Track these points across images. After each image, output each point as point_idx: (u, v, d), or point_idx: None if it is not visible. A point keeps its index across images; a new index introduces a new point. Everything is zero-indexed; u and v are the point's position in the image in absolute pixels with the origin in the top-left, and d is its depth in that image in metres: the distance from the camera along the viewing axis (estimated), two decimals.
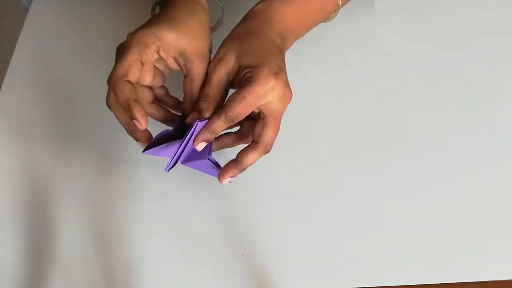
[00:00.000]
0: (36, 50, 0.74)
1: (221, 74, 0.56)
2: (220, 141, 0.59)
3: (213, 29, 0.65)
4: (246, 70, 0.54)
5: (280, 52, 0.57)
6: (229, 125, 0.55)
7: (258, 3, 0.60)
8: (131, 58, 0.55)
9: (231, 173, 0.56)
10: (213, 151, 0.57)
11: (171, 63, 0.57)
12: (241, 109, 0.53)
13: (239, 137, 0.59)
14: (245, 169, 0.56)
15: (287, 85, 0.55)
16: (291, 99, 0.55)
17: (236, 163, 0.55)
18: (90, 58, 0.71)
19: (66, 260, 0.58)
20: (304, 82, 0.67)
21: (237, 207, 0.60)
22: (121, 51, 0.56)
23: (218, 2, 0.63)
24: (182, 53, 0.56)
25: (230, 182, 0.56)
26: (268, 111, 0.54)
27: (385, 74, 0.68)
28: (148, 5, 0.67)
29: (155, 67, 0.57)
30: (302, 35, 0.62)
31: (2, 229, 0.60)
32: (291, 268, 0.56)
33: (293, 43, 0.61)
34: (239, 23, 0.59)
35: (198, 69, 0.56)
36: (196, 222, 0.59)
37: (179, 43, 0.56)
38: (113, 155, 0.63)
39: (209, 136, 0.55)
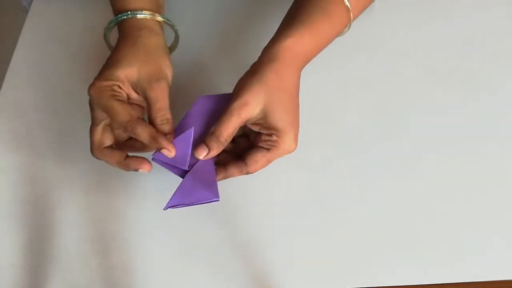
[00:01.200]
0: (36, 50, 0.74)
1: (241, 120, 0.55)
2: (225, 170, 0.58)
3: (171, 49, 0.65)
4: (272, 132, 0.55)
5: (298, 99, 0.57)
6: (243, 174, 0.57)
7: (284, 35, 0.57)
8: (97, 130, 0.57)
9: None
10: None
11: (134, 96, 0.58)
12: (261, 168, 0.57)
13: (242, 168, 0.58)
14: (222, 179, 0.57)
15: (297, 142, 0.57)
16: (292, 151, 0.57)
17: (224, 171, 0.57)
18: (90, 58, 0.71)
19: (66, 260, 0.58)
20: (304, 81, 0.67)
21: (237, 207, 0.60)
22: (90, 109, 0.58)
23: (173, 26, 0.63)
24: (137, 84, 0.57)
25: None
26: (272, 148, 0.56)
27: (385, 73, 0.68)
28: None
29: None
30: (316, 55, 0.61)
31: (2, 229, 0.60)
32: (291, 268, 0.56)
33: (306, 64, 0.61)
34: (265, 59, 0.56)
35: (152, 94, 0.56)
36: (196, 222, 0.59)
37: (130, 76, 0.56)
38: None
39: (222, 178, 0.57)
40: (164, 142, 0.54)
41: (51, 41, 0.74)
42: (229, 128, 0.55)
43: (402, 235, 0.57)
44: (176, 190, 0.54)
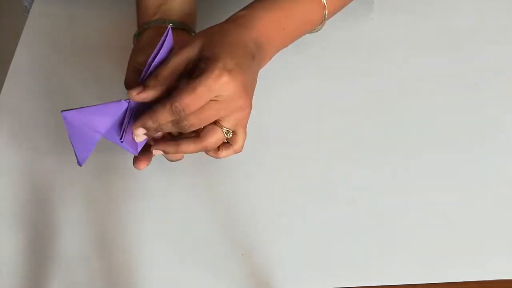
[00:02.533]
0: (37, 51, 0.74)
1: (180, 59, 0.53)
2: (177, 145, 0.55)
3: None
4: (202, 61, 0.52)
5: (249, 56, 0.54)
6: (175, 117, 0.51)
7: (241, 9, 0.58)
8: None
9: (141, 122, 0.53)
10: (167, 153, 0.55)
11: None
12: (190, 100, 0.50)
13: (196, 140, 0.55)
14: (152, 124, 0.53)
15: (244, 89, 0.52)
16: (248, 109, 0.53)
17: (148, 112, 0.53)
18: (91, 59, 0.71)
19: (67, 260, 0.58)
20: (303, 82, 0.67)
21: (237, 207, 0.60)
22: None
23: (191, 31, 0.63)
24: None
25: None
26: (214, 101, 0.52)
27: (385, 74, 0.68)
28: None
29: None
30: (285, 46, 0.60)
31: (3, 228, 0.60)
32: (291, 267, 0.56)
33: (274, 53, 0.59)
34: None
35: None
36: (196, 221, 0.60)
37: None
38: (113, 155, 0.63)
39: (151, 124, 0.52)
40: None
41: (52, 41, 0.74)
42: (168, 68, 0.52)
43: (401, 234, 0.57)
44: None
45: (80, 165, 0.53)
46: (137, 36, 0.63)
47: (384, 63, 0.69)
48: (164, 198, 0.61)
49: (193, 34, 0.63)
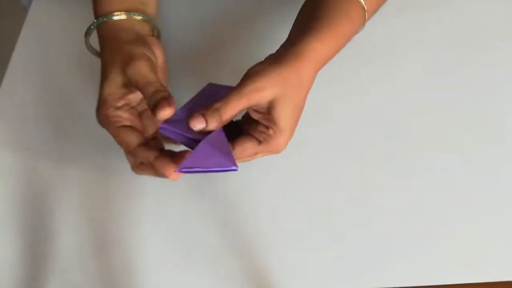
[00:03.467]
0: (35, 50, 0.74)
1: (249, 105, 0.53)
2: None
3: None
4: (271, 126, 0.53)
5: (303, 107, 0.56)
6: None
7: (312, 37, 0.55)
8: (120, 133, 0.55)
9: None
10: None
11: (131, 96, 0.56)
12: (246, 157, 0.55)
13: None
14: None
15: (287, 143, 0.56)
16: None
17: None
18: (90, 58, 0.71)
19: (66, 260, 0.58)
20: None
21: (237, 207, 0.60)
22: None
23: (151, 22, 0.61)
24: (126, 83, 0.55)
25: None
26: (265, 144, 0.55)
27: (384, 74, 0.68)
28: None
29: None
30: (334, 55, 0.60)
31: (1, 229, 0.60)
32: (291, 268, 0.56)
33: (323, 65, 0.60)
34: (289, 53, 0.54)
35: (131, 78, 0.54)
36: (196, 222, 0.60)
37: (116, 86, 0.55)
38: (112, 155, 0.63)
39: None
40: (163, 167, 0.53)
41: (51, 40, 0.74)
42: (234, 110, 0.52)
43: (402, 237, 0.57)
44: (191, 153, 0.51)
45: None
46: (97, 26, 0.60)
47: (383, 63, 0.69)
48: (164, 199, 0.61)
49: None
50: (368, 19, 0.61)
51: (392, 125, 0.64)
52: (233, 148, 0.54)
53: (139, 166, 0.56)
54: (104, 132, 0.63)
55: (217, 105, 0.52)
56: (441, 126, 0.64)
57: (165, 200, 0.61)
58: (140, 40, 0.58)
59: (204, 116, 0.52)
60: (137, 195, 0.62)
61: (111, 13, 0.59)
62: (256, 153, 0.55)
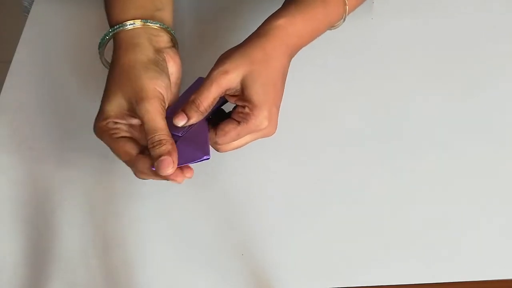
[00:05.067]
0: (37, 50, 0.74)
1: (220, 89, 0.54)
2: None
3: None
4: (245, 104, 0.54)
5: (284, 81, 0.56)
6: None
7: (278, 15, 0.57)
8: (119, 144, 0.54)
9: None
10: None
11: (134, 121, 0.55)
12: (231, 140, 0.55)
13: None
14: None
15: (275, 123, 0.55)
16: (271, 135, 0.56)
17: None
18: (91, 58, 0.71)
19: (66, 260, 0.58)
20: (303, 83, 0.67)
21: (237, 207, 0.60)
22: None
23: (168, 29, 0.59)
24: (130, 109, 0.54)
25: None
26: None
27: (384, 75, 0.68)
28: None
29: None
30: (308, 42, 0.61)
31: (3, 228, 0.60)
32: (290, 267, 0.56)
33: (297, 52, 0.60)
34: (255, 35, 0.56)
35: (139, 117, 0.53)
36: (196, 221, 0.60)
37: (120, 107, 0.54)
38: (113, 155, 0.63)
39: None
40: (167, 174, 0.52)
41: (52, 41, 0.75)
42: (209, 98, 0.54)
43: (401, 234, 0.57)
44: None
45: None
46: (103, 48, 0.58)
47: (384, 63, 0.69)
48: (164, 198, 0.61)
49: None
50: (350, 11, 0.61)
51: (391, 123, 0.64)
52: (216, 134, 0.55)
53: (142, 173, 0.55)
54: None
55: (192, 97, 0.54)
56: (440, 126, 0.64)
57: (166, 200, 0.61)
58: (156, 61, 0.56)
59: (184, 111, 0.54)
60: (138, 195, 0.62)
61: (126, 21, 0.57)
62: (238, 135, 0.55)
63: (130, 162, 0.54)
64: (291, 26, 0.57)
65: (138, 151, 0.54)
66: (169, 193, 0.61)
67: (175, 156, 0.52)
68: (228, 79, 0.54)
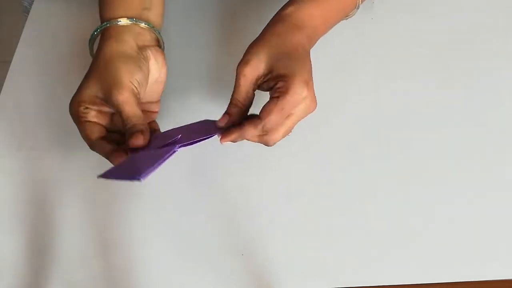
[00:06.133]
0: (37, 50, 0.74)
1: (249, 80, 0.55)
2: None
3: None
4: (279, 79, 0.54)
5: (308, 55, 0.57)
6: (262, 133, 0.55)
7: (287, 5, 0.60)
8: (84, 127, 0.57)
9: (231, 136, 0.55)
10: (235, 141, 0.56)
11: (105, 109, 0.58)
12: (278, 119, 0.54)
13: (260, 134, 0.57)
14: (239, 139, 0.55)
15: (314, 96, 0.56)
16: (314, 110, 0.56)
17: (239, 129, 0.55)
18: (91, 58, 0.71)
19: (66, 260, 0.58)
20: None
21: (237, 207, 0.60)
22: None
23: (154, 29, 0.62)
24: (104, 98, 0.56)
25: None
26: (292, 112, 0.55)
27: (384, 74, 0.68)
28: None
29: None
30: (325, 32, 0.63)
31: (3, 229, 0.60)
32: (290, 267, 0.56)
33: (315, 42, 0.62)
34: (267, 26, 0.58)
35: (113, 105, 0.56)
36: (196, 222, 0.60)
37: (93, 94, 0.57)
38: None
39: (238, 139, 0.55)
40: (116, 160, 0.55)
41: (52, 41, 0.75)
42: (240, 91, 0.55)
43: (402, 234, 0.57)
44: (116, 165, 0.55)
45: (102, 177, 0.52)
46: (93, 42, 0.61)
47: (384, 63, 0.69)
48: (164, 198, 0.61)
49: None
50: (363, 1, 0.63)
51: (391, 124, 0.64)
52: (260, 117, 0.54)
53: (95, 144, 0.58)
54: None
55: (231, 96, 0.56)
56: (441, 125, 0.64)
57: (166, 200, 0.61)
58: (137, 58, 0.58)
59: (226, 113, 0.56)
60: (138, 195, 0.62)
61: (115, 19, 0.60)
62: (282, 109, 0.54)
63: (90, 145, 0.57)
64: (300, 11, 0.59)
65: (99, 136, 0.57)
66: (169, 193, 0.61)
67: (147, 134, 0.55)
68: (251, 67, 0.55)
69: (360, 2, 0.63)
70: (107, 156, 0.56)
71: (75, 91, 0.60)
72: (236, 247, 0.58)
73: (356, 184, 0.61)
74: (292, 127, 0.56)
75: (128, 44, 0.59)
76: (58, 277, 0.57)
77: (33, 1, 0.79)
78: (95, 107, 0.57)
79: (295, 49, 0.56)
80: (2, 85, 0.71)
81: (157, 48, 0.61)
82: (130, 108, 0.55)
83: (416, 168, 0.61)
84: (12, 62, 0.73)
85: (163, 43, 0.63)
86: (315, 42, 0.61)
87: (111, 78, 0.56)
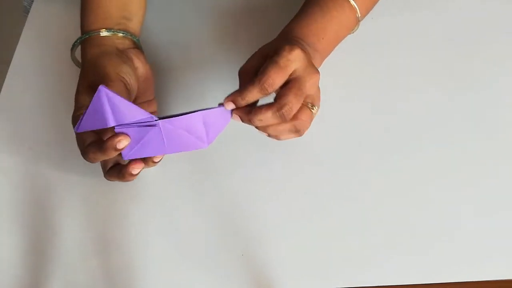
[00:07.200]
0: (37, 51, 0.74)
1: (248, 75, 0.56)
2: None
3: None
4: (274, 52, 0.55)
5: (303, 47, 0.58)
6: (263, 94, 0.54)
7: (291, 23, 0.63)
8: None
9: (238, 112, 0.56)
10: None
11: None
12: (275, 74, 0.54)
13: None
14: (250, 121, 0.55)
15: (311, 61, 0.56)
16: (318, 77, 0.56)
17: (249, 110, 0.55)
18: None
19: (66, 260, 0.58)
20: None
21: (237, 207, 0.60)
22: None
23: (133, 37, 0.65)
24: None
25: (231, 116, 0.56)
26: (294, 77, 0.55)
27: (384, 74, 0.68)
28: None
29: None
30: (329, 52, 0.64)
31: (2, 229, 0.60)
32: (290, 267, 0.56)
33: (321, 62, 0.63)
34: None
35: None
36: (196, 222, 0.60)
37: (90, 95, 0.57)
38: None
39: (240, 101, 0.55)
40: (112, 143, 0.54)
41: (51, 41, 0.75)
42: (251, 64, 0.58)
43: (402, 235, 0.57)
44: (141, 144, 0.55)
45: (76, 131, 0.55)
46: (83, 42, 0.63)
47: (384, 63, 0.69)
48: (164, 199, 0.61)
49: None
50: (363, 17, 0.65)
51: (391, 123, 0.64)
52: (259, 79, 0.54)
53: (108, 172, 0.59)
54: None
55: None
56: (441, 125, 0.64)
57: (165, 201, 0.61)
58: (119, 55, 0.61)
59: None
60: (138, 196, 0.62)
61: (94, 31, 0.63)
62: (276, 63, 0.54)
63: (83, 150, 0.57)
64: (290, 31, 0.61)
65: (92, 140, 0.57)
66: (169, 193, 0.61)
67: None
68: (246, 64, 0.58)
69: (360, 19, 0.65)
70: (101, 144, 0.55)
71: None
72: (236, 247, 0.58)
73: (357, 185, 0.61)
74: (298, 93, 0.55)
75: (110, 47, 0.62)
76: (58, 277, 0.57)
77: (33, 1, 0.79)
78: None
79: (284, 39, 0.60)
80: (2, 85, 0.71)
81: (137, 49, 0.64)
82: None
83: (416, 169, 0.61)
84: (12, 62, 0.73)
85: (141, 47, 0.66)
86: (317, 59, 0.61)
87: (99, 75, 0.58)
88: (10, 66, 0.72)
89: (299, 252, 0.57)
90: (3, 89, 0.71)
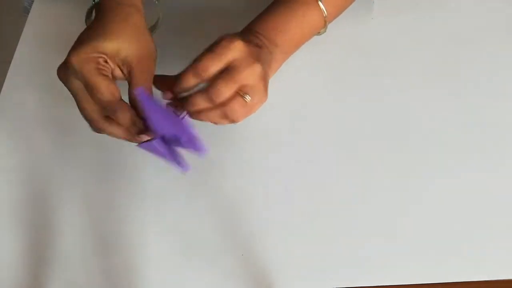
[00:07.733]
0: (37, 51, 0.74)
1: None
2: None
3: (152, 29, 0.65)
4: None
5: (255, 43, 0.58)
6: (198, 80, 0.54)
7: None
8: (106, 82, 0.53)
9: (175, 103, 0.55)
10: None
11: (117, 73, 0.55)
12: (208, 60, 0.54)
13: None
14: (185, 107, 0.55)
15: (254, 53, 0.55)
16: (257, 68, 0.55)
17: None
18: None
19: (66, 260, 0.58)
20: (303, 82, 0.67)
21: (237, 207, 0.60)
22: (65, 80, 0.56)
23: (156, 2, 0.62)
24: (124, 61, 0.54)
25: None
26: (230, 66, 0.54)
27: (385, 74, 0.68)
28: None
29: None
30: (293, 49, 0.63)
31: (2, 228, 0.60)
32: (290, 267, 0.56)
33: (283, 58, 0.62)
34: None
35: (139, 73, 0.54)
36: (196, 221, 0.60)
37: (120, 52, 0.53)
38: (113, 155, 0.64)
39: (177, 88, 0.55)
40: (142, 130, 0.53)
41: (52, 41, 0.75)
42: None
43: (402, 235, 0.57)
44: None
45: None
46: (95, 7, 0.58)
47: (384, 63, 0.69)
48: (164, 198, 0.61)
49: None
50: (330, 20, 0.64)
51: (391, 123, 0.64)
52: (196, 62, 0.54)
53: (105, 121, 0.55)
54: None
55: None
56: (442, 125, 0.64)
57: (165, 200, 0.61)
58: (147, 28, 0.57)
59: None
60: (138, 195, 0.62)
61: None
62: (211, 51, 0.54)
63: (112, 104, 0.53)
64: (249, 25, 0.61)
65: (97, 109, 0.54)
66: (169, 193, 0.62)
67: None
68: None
69: (327, 22, 0.64)
70: (130, 123, 0.54)
71: None
72: (236, 247, 0.58)
73: (357, 185, 0.61)
74: (232, 81, 0.54)
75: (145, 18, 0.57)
76: (58, 277, 0.57)
77: (33, 1, 0.79)
78: (112, 66, 0.54)
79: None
80: (2, 85, 0.71)
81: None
82: (150, 81, 0.55)
83: (415, 168, 0.61)
84: (12, 62, 0.73)
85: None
86: (276, 53, 0.61)
87: (144, 48, 0.55)
88: (10, 66, 0.72)
89: (299, 252, 0.57)
90: (3, 88, 0.71)
